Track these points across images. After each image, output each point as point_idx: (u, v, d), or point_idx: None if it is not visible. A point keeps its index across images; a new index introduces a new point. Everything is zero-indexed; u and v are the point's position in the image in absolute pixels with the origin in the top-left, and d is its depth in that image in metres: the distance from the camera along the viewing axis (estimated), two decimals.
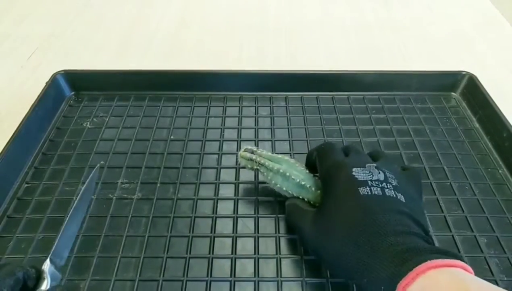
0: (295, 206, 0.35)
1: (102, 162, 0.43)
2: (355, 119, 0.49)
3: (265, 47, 0.64)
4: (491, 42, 0.66)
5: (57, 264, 0.32)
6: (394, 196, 0.29)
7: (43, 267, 0.30)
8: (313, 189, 0.35)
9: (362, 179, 0.30)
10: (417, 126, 0.49)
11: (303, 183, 0.35)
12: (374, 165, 0.32)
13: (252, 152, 0.38)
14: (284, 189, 0.36)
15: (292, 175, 0.36)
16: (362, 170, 0.31)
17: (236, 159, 0.44)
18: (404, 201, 0.29)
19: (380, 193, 0.29)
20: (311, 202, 0.36)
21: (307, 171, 0.37)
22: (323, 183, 0.33)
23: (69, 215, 0.35)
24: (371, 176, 0.30)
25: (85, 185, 0.38)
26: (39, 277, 0.29)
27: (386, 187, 0.30)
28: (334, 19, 0.71)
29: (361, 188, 0.29)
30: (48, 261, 0.31)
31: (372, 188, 0.29)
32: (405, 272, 0.23)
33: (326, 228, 0.29)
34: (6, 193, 0.40)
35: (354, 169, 0.31)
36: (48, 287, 0.29)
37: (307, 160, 0.38)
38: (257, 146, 0.45)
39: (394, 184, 0.30)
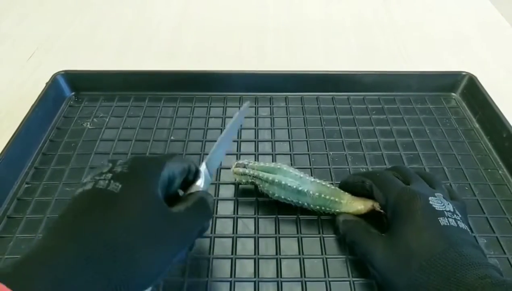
0: (358, 223, 0.34)
1: (248, 102, 0.42)
2: (355, 119, 0.49)
3: (265, 47, 0.64)
4: (491, 42, 0.66)
5: (210, 171, 0.33)
6: (465, 228, 0.30)
7: (200, 168, 0.32)
8: (310, 192, 0.35)
9: (439, 209, 0.30)
10: (417, 126, 0.49)
11: (300, 188, 0.36)
12: (441, 195, 0.32)
13: (244, 166, 0.38)
14: (282, 197, 0.37)
15: (287, 183, 0.36)
16: (436, 200, 0.31)
17: (236, 159, 0.44)
18: (471, 233, 0.30)
19: (455, 224, 0.30)
20: (311, 206, 0.36)
21: (302, 175, 0.37)
22: (394, 210, 0.32)
23: (222, 135, 0.35)
24: (444, 206, 0.31)
25: (237, 114, 0.37)
26: (196, 175, 0.31)
27: (457, 218, 0.30)
28: (334, 19, 0.71)
29: (441, 218, 0.29)
30: (204, 164, 0.32)
31: (449, 219, 0.30)
32: None
33: (404, 256, 0.29)
34: (6, 193, 0.40)
35: (430, 198, 0.31)
36: (202, 185, 0.31)
37: (352, 184, 0.37)
38: (257, 147, 0.46)
39: (460, 216, 0.31)
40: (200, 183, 0.32)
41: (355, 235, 0.34)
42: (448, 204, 0.31)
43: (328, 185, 0.37)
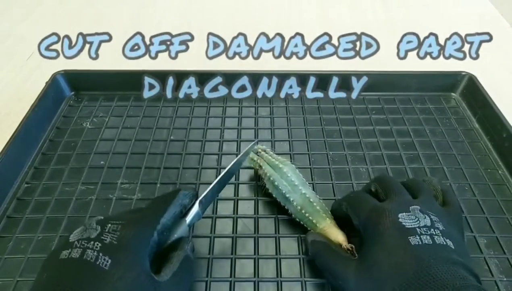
0: (325, 246, 0.33)
1: (257, 139, 0.43)
2: (355, 119, 0.49)
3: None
4: (491, 42, 0.66)
5: (202, 209, 0.33)
6: (444, 243, 0.27)
7: (196, 202, 0.33)
8: (295, 203, 0.35)
9: (410, 226, 0.28)
10: (417, 126, 0.49)
11: (287, 195, 0.36)
12: (418, 207, 0.30)
13: (257, 153, 0.39)
14: (273, 195, 0.37)
15: (280, 185, 0.36)
16: (408, 215, 0.29)
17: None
18: (453, 247, 0.28)
19: (431, 241, 0.27)
20: (293, 215, 0.36)
21: (297, 183, 0.36)
22: (364, 231, 0.31)
23: (221, 175, 0.35)
24: (418, 222, 0.28)
25: (240, 155, 0.36)
26: (187, 212, 0.32)
27: (434, 233, 0.28)
28: (334, 19, 0.71)
29: (411, 238, 0.27)
30: (197, 203, 0.33)
31: (421, 236, 0.27)
32: None
33: (376, 281, 0.27)
34: (6, 193, 0.40)
35: (399, 215, 0.29)
36: (188, 221, 0.32)
37: (334, 212, 0.36)
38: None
39: (441, 229, 0.29)
40: (188, 219, 0.32)
41: (325, 259, 0.32)
42: (425, 218, 0.29)
43: (316, 203, 0.35)
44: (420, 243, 0.27)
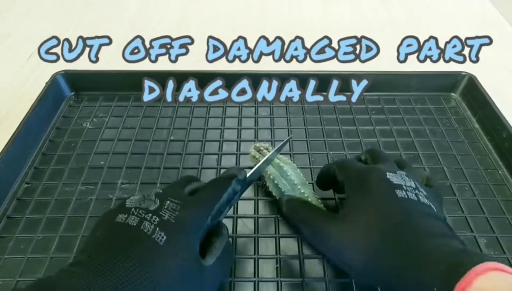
0: (302, 202, 0.34)
1: (291, 136, 0.43)
2: (355, 119, 0.49)
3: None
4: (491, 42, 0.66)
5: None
6: (428, 203, 0.29)
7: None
8: None
9: (397, 183, 0.30)
10: (417, 127, 0.49)
11: (287, 193, 0.36)
12: (404, 173, 0.31)
13: (259, 150, 0.39)
14: (273, 194, 0.38)
15: (279, 183, 0.36)
16: (395, 175, 0.30)
17: (236, 159, 0.44)
18: (435, 210, 0.29)
19: (416, 198, 0.29)
20: None
21: (296, 182, 0.36)
22: (351, 188, 0.31)
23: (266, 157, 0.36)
24: (404, 181, 0.30)
25: (278, 146, 0.38)
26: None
27: (419, 193, 0.29)
28: (333, 19, 0.71)
29: (398, 191, 0.29)
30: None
31: (407, 192, 0.29)
32: (462, 273, 0.23)
33: (362, 229, 0.28)
34: (6, 193, 0.40)
35: (387, 173, 0.30)
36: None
37: (322, 175, 0.37)
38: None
39: (424, 194, 0.30)
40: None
41: (303, 214, 0.33)
42: (410, 181, 0.30)
43: (314, 203, 0.35)
44: (406, 196, 0.29)
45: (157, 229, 0.26)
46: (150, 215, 0.26)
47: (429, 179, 0.34)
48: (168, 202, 0.28)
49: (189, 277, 0.26)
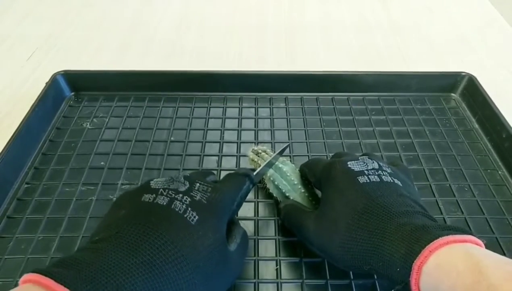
0: (294, 206, 0.35)
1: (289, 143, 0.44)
2: (355, 120, 0.49)
3: (264, 47, 0.64)
4: (491, 43, 0.66)
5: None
6: (392, 181, 0.30)
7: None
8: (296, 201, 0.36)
9: (359, 169, 0.31)
10: (416, 127, 0.49)
11: (287, 194, 0.36)
12: (367, 156, 0.33)
13: (257, 154, 0.39)
14: (274, 195, 0.38)
15: (280, 184, 0.37)
16: (357, 162, 0.32)
17: (236, 160, 0.44)
18: (401, 185, 0.30)
19: (378, 179, 0.30)
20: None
21: (296, 182, 0.36)
22: (320, 183, 0.33)
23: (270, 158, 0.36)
24: (366, 166, 0.31)
25: (277, 151, 0.38)
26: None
27: (382, 174, 0.30)
28: (334, 19, 0.71)
29: (360, 177, 0.30)
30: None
31: (369, 176, 0.30)
32: (418, 251, 0.24)
33: (331, 220, 0.29)
34: (6, 193, 0.40)
35: (349, 163, 0.31)
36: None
37: (301, 176, 0.38)
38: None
39: (388, 171, 0.31)
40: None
41: (291, 216, 0.34)
42: (373, 163, 0.31)
43: (315, 202, 0.36)
44: (368, 181, 0.29)
45: (189, 208, 0.26)
46: (181, 195, 0.27)
47: (394, 163, 0.35)
48: (198, 184, 0.28)
49: (217, 259, 0.26)
